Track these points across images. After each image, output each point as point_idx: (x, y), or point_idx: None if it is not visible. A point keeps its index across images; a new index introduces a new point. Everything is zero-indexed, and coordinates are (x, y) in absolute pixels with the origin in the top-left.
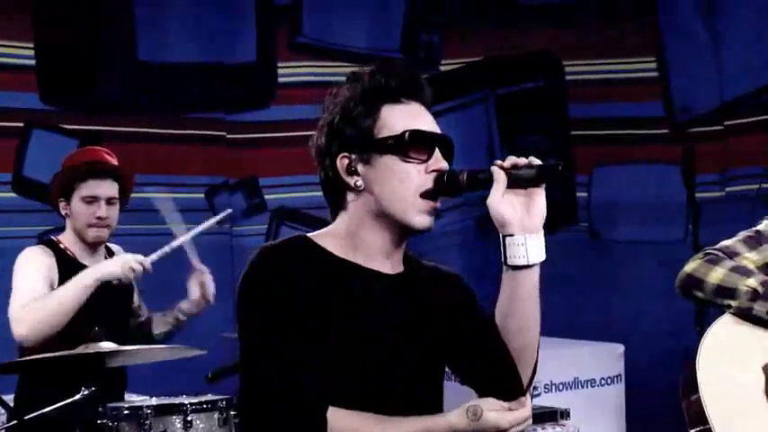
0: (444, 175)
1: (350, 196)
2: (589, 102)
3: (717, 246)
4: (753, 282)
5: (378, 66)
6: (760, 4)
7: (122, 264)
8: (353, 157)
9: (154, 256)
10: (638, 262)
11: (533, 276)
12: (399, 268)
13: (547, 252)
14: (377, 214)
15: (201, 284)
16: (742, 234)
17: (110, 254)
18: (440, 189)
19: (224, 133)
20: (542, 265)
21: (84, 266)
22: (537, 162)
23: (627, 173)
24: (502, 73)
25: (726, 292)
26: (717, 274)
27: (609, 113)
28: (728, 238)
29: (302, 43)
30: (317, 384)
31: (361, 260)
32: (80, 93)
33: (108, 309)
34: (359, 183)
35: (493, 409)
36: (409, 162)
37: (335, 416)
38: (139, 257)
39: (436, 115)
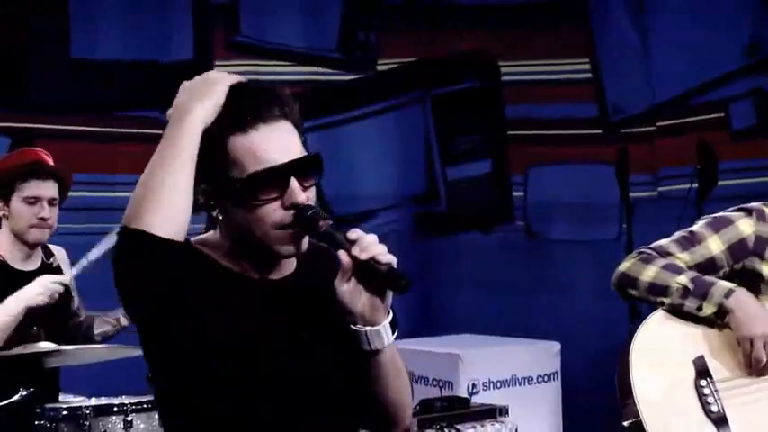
0: (304, 213)
1: (214, 218)
2: (524, 102)
3: (651, 245)
4: (683, 279)
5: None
6: (689, 9)
7: (44, 289)
8: (209, 190)
9: (73, 271)
10: (573, 261)
11: (386, 355)
12: (288, 271)
13: (483, 251)
14: (240, 242)
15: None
16: (677, 234)
17: (49, 255)
18: (298, 226)
19: (160, 132)
20: (479, 263)
21: (16, 271)
22: (389, 266)
23: (562, 173)
24: (438, 73)
25: (658, 289)
26: (650, 273)
27: (544, 114)
28: (661, 237)
29: (240, 42)
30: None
31: (240, 269)
32: (12, 90)
33: (46, 308)
34: (219, 216)
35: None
36: (260, 204)
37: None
38: (58, 278)
39: (374, 114)
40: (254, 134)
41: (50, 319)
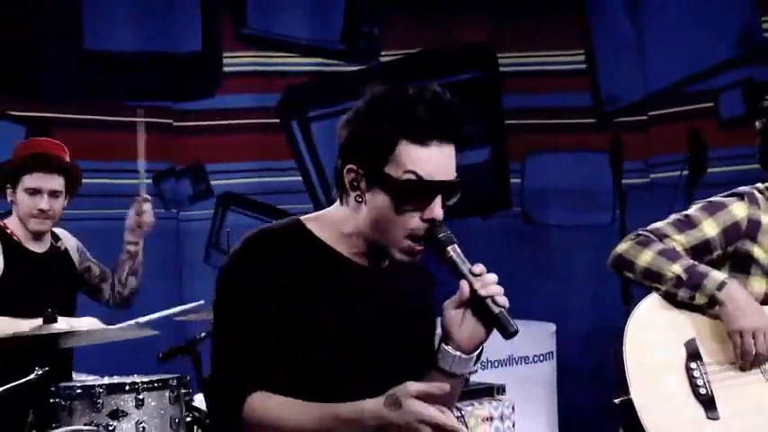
0: (437, 232)
1: (350, 199)
2: (522, 92)
3: (648, 228)
4: (677, 268)
5: (413, 93)
6: (682, 2)
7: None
8: (360, 173)
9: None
10: (568, 245)
11: (455, 381)
12: (383, 264)
13: (482, 235)
14: (366, 230)
15: (139, 211)
16: (672, 217)
17: (56, 239)
18: (427, 241)
19: (170, 121)
20: (479, 247)
21: (29, 251)
22: (502, 311)
23: (558, 160)
24: (439, 64)
25: (653, 276)
26: (646, 257)
27: (540, 104)
28: (653, 222)
29: (247, 34)
30: (252, 374)
31: (347, 251)
32: (27, 81)
33: (53, 290)
34: (358, 198)
35: (414, 395)
36: (404, 210)
37: (264, 403)
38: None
39: None
40: (425, 148)
41: (59, 296)
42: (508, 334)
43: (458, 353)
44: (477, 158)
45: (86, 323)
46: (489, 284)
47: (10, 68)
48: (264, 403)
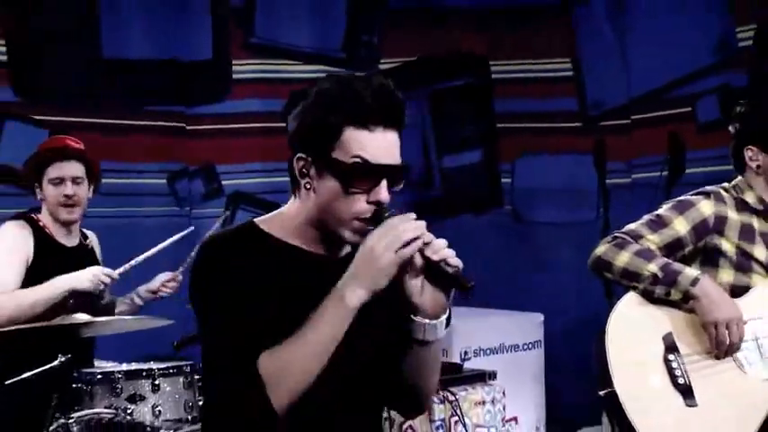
0: (382, 213)
1: (302, 188)
2: (512, 98)
3: (623, 229)
4: (653, 267)
5: (355, 79)
6: (662, 12)
7: (93, 276)
8: (309, 160)
9: (121, 269)
10: (555, 241)
11: (433, 347)
12: (343, 252)
13: (476, 232)
14: (317, 216)
15: (169, 281)
16: (645, 218)
17: (84, 237)
18: (374, 222)
19: (184, 124)
20: (472, 243)
21: (60, 244)
22: (456, 269)
23: (545, 161)
24: (434, 71)
25: (631, 275)
26: (623, 258)
27: (530, 108)
28: (635, 219)
29: (254, 43)
30: (252, 343)
31: (304, 244)
32: (49, 87)
33: (86, 293)
34: (308, 186)
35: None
36: (352, 192)
37: (264, 361)
38: (107, 270)
39: None
40: (371, 132)
41: (83, 299)
42: (466, 289)
43: (425, 320)
44: (470, 160)
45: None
46: (440, 249)
47: (33, 75)
48: (270, 355)
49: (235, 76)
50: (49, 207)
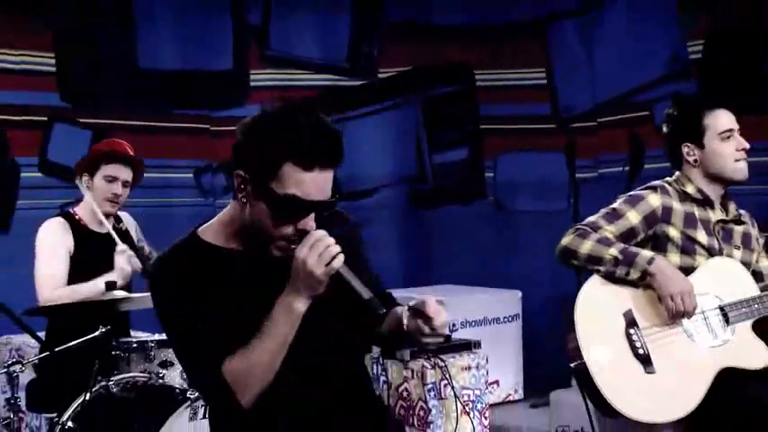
0: (305, 235)
1: (238, 197)
2: (494, 103)
3: (584, 222)
4: (614, 251)
5: (303, 119)
6: (624, 29)
7: (126, 261)
8: (247, 179)
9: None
10: (532, 227)
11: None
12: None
13: (463, 220)
14: (248, 226)
15: None
16: (602, 211)
17: (118, 221)
18: (297, 243)
19: (208, 126)
20: (460, 229)
21: (94, 233)
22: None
23: (524, 158)
24: (427, 80)
25: (594, 260)
26: (586, 246)
27: (510, 112)
28: (601, 208)
29: (269, 56)
30: (214, 348)
31: (241, 246)
32: (92, 94)
33: (114, 264)
34: (243, 200)
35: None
36: (279, 222)
37: (229, 365)
38: (129, 253)
39: (376, 112)
40: (308, 173)
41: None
42: (374, 313)
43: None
44: (458, 157)
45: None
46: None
47: (78, 84)
48: (233, 361)
49: (252, 84)
50: (96, 198)
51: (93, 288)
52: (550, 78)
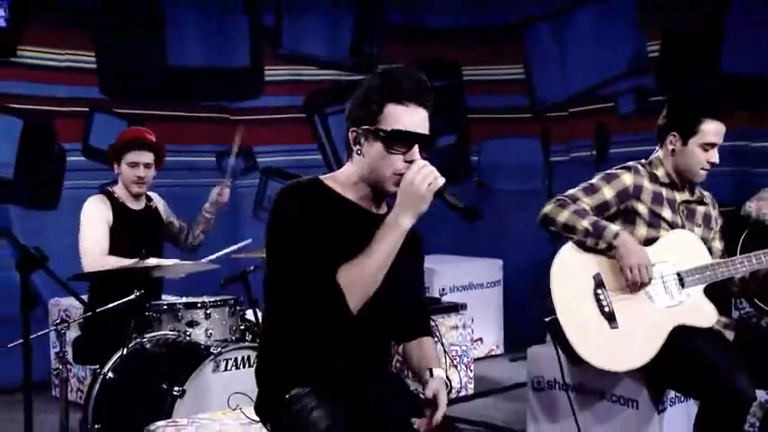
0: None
1: (355, 154)
2: (479, 95)
3: (565, 193)
4: (586, 223)
5: (395, 70)
6: (592, 31)
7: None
8: (360, 131)
9: (204, 260)
10: (512, 204)
11: None
12: (383, 210)
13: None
14: (366, 174)
15: (221, 191)
16: (581, 185)
17: (149, 200)
18: None
19: (228, 116)
20: (447, 206)
21: (130, 210)
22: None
23: (504, 144)
24: None
25: (569, 229)
26: (564, 216)
27: (492, 103)
28: (571, 187)
29: (282, 53)
30: (321, 262)
31: (356, 199)
32: (128, 88)
33: (147, 236)
34: (359, 151)
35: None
36: (391, 153)
37: (342, 272)
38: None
39: None
40: (407, 109)
41: (151, 243)
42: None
43: None
44: (446, 142)
45: (171, 261)
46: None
47: (115, 79)
48: (344, 269)
49: (267, 78)
50: (124, 181)
51: (131, 263)
52: (528, 74)
